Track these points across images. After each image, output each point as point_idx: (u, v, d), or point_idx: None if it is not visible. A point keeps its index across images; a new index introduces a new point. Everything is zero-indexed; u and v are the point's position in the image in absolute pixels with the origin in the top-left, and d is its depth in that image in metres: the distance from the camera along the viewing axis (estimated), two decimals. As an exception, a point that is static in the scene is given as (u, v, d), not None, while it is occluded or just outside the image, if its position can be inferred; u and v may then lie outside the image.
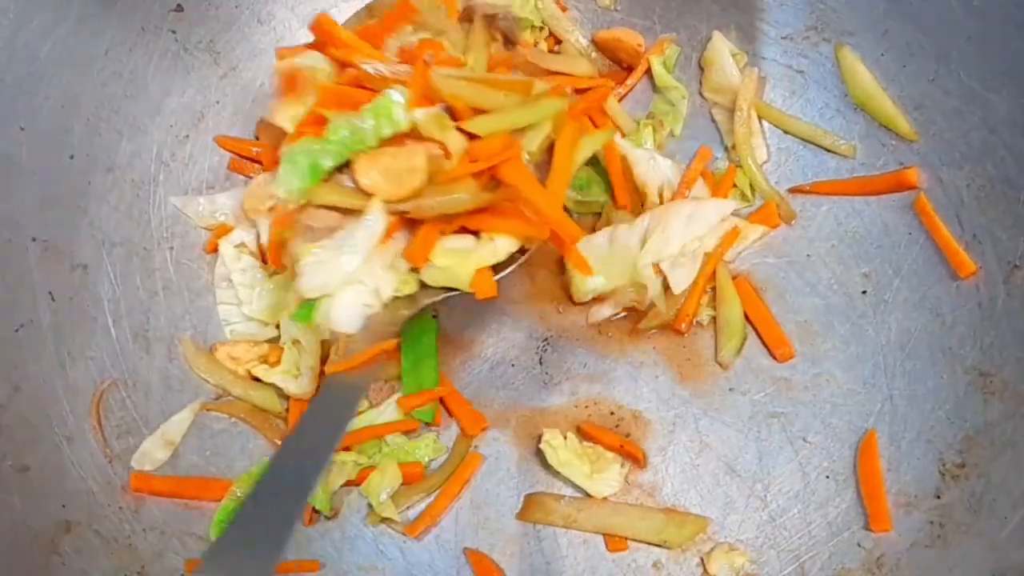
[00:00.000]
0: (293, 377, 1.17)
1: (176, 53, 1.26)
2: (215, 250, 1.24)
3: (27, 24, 1.14)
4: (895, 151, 1.20)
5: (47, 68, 1.16)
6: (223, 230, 1.24)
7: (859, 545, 1.08)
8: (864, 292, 1.18)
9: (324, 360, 1.17)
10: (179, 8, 1.25)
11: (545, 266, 1.24)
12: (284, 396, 1.19)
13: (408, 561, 1.13)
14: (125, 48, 1.22)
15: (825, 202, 1.23)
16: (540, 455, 1.14)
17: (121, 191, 1.22)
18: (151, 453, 1.15)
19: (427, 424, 1.18)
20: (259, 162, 1.27)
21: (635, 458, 1.14)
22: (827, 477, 1.12)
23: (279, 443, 1.17)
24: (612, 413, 1.17)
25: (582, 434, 1.16)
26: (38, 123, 1.16)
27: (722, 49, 1.27)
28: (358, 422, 1.17)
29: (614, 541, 1.12)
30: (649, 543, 1.11)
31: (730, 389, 1.17)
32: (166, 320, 1.21)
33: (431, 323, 1.20)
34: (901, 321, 1.15)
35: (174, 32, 1.26)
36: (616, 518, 1.12)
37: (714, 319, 1.20)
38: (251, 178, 1.28)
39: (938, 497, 1.07)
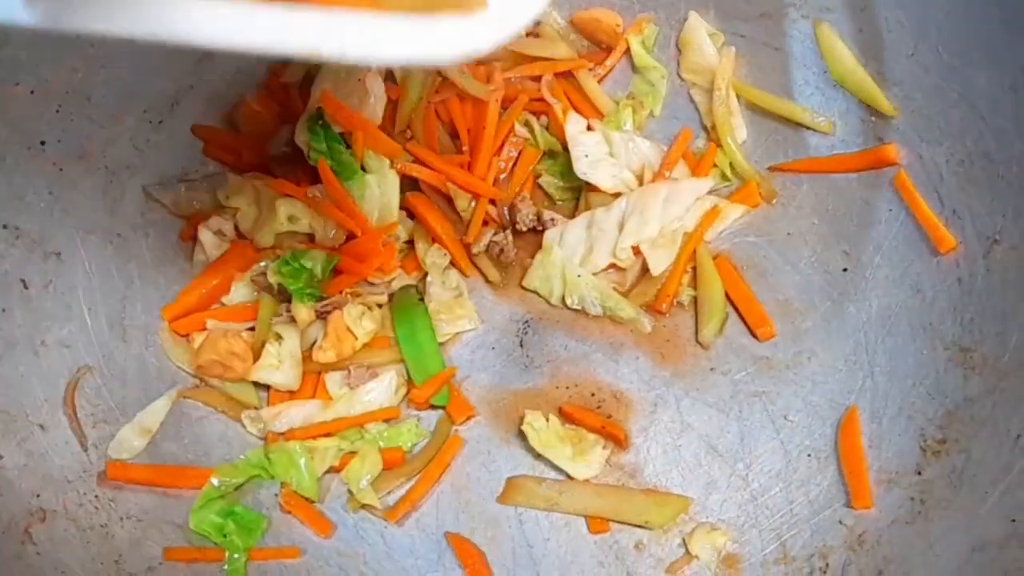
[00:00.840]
0: (275, 369, 1.16)
1: (149, 38, 1.25)
2: (191, 238, 1.22)
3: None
4: (874, 128, 1.20)
5: (18, 53, 1.14)
6: (199, 217, 1.22)
7: (841, 522, 1.08)
8: (845, 269, 1.17)
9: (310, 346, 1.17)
10: (151, -8, 1.24)
11: (523, 248, 1.23)
12: (262, 387, 1.18)
13: (389, 546, 1.12)
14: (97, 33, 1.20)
15: (805, 180, 1.22)
16: (522, 437, 1.13)
17: (94, 178, 1.20)
18: (128, 441, 1.14)
19: (443, 408, 1.17)
20: (236, 150, 1.26)
21: (617, 439, 1.13)
22: (808, 455, 1.11)
23: (256, 434, 1.16)
24: (593, 394, 1.17)
25: (564, 416, 1.16)
26: (9, 110, 1.14)
27: (699, 29, 1.26)
28: (338, 408, 1.16)
29: (596, 523, 1.11)
30: (631, 524, 1.11)
31: (711, 369, 1.17)
32: (142, 308, 1.19)
33: (420, 307, 1.19)
34: (882, 298, 1.15)
35: (146, 16, 1.24)
36: (598, 500, 1.11)
37: (695, 299, 1.19)
38: (226, 166, 1.26)
39: (919, 473, 1.07)
